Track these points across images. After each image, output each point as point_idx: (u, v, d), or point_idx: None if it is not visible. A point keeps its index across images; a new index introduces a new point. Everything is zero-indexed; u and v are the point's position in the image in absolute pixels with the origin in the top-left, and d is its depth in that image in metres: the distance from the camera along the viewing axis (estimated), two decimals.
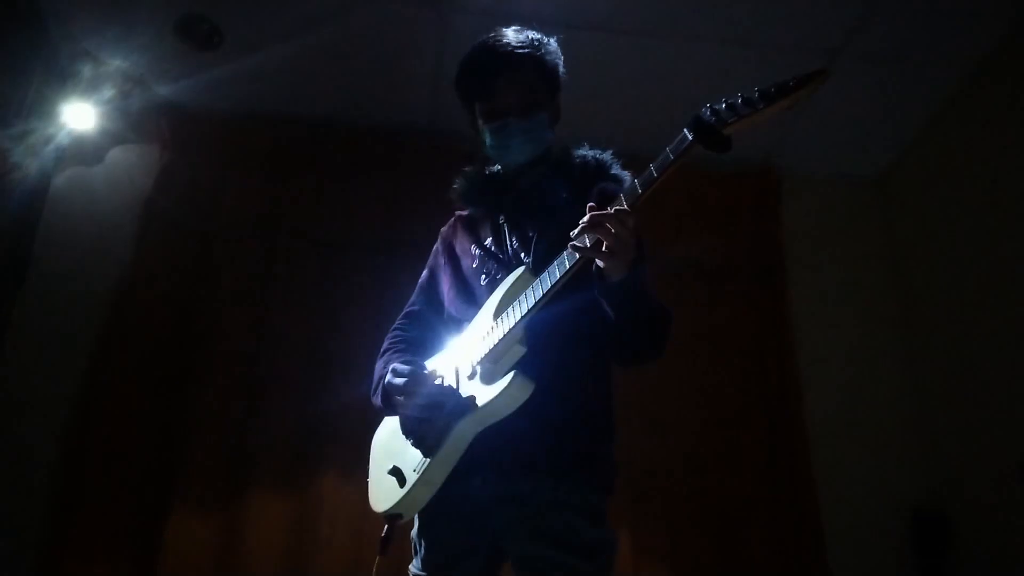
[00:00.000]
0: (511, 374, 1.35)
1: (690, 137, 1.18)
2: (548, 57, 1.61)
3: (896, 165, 3.52)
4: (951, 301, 3.12)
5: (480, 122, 1.62)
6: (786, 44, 2.95)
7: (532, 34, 1.61)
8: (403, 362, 1.51)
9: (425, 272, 1.76)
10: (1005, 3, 2.77)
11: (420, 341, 1.65)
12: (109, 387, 2.86)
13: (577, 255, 1.29)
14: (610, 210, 1.25)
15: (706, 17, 2.85)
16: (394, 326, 1.73)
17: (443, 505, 1.44)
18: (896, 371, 3.33)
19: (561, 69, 1.64)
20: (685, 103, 3.20)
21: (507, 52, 1.57)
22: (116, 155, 3.23)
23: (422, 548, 1.50)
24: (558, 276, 1.32)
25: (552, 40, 1.64)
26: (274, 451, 2.85)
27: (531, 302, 1.35)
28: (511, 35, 1.59)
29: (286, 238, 3.18)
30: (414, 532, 1.54)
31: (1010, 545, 2.72)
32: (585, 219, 1.26)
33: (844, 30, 2.88)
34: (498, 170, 1.69)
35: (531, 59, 1.58)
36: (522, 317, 1.36)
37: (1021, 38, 2.82)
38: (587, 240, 1.26)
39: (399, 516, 1.47)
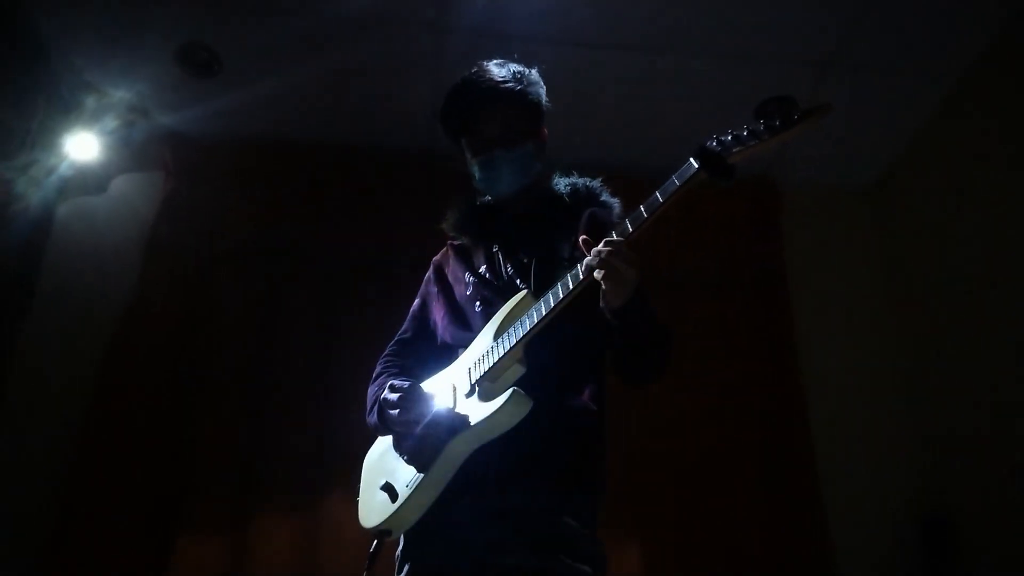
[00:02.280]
0: (510, 391, 1.37)
1: (696, 166, 1.21)
2: (531, 88, 1.64)
3: (891, 172, 3.54)
4: (951, 305, 3.13)
5: (468, 156, 1.66)
6: (777, 56, 2.98)
7: (514, 67, 1.65)
8: (400, 380, 1.54)
9: (417, 300, 1.79)
10: (993, 11, 2.80)
11: (412, 367, 1.66)
12: (116, 411, 2.88)
13: (581, 276, 1.34)
14: (608, 245, 1.30)
15: (697, 31, 2.89)
16: (385, 353, 1.75)
17: (430, 524, 1.44)
18: (899, 377, 3.33)
19: (544, 99, 1.68)
20: (678, 118, 3.28)
21: (490, 87, 1.61)
22: (119, 184, 3.27)
23: (406, 568, 1.50)
24: (561, 296, 1.36)
25: (534, 71, 1.68)
26: (279, 472, 2.86)
27: (534, 321, 1.38)
28: (493, 69, 1.63)
29: (288, 262, 3.21)
30: (398, 551, 1.54)
31: (1016, 550, 2.71)
32: (596, 248, 1.31)
33: (835, 41, 2.91)
34: (489, 200, 1.73)
35: (514, 92, 1.61)
36: (524, 336, 1.39)
37: (1010, 45, 2.85)
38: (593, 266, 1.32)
39: (388, 532, 1.47)
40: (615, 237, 1.33)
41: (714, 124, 1.25)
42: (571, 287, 1.34)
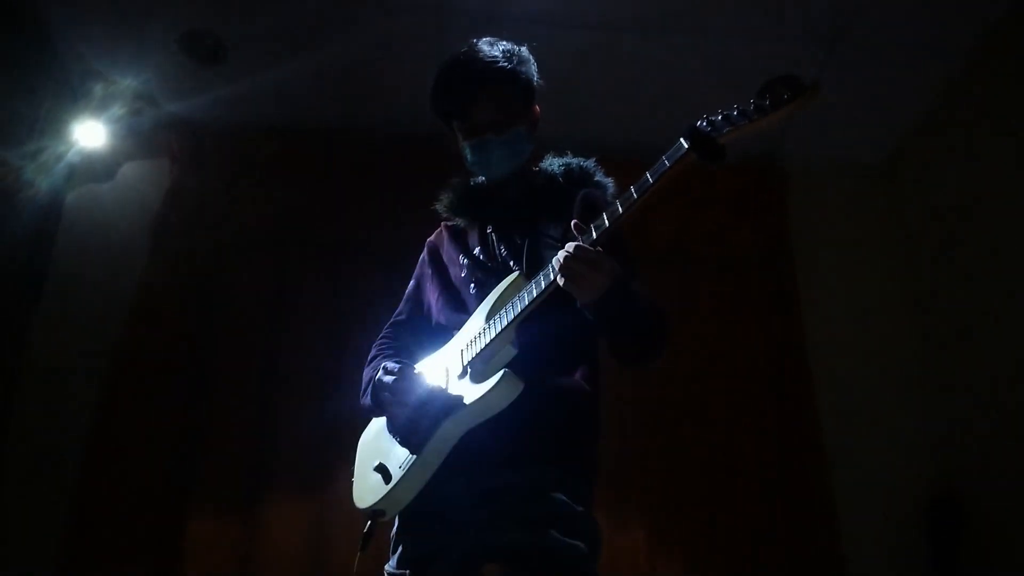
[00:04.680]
0: (501, 372, 1.38)
1: (686, 146, 1.21)
2: (521, 68, 1.61)
3: (901, 150, 3.51)
4: (962, 285, 3.10)
5: (459, 139, 1.65)
6: (784, 34, 2.94)
7: (505, 46, 1.62)
8: (394, 362, 1.54)
9: (412, 282, 1.79)
10: None
11: (407, 349, 1.67)
12: (127, 397, 2.92)
13: (549, 279, 1.34)
14: (570, 249, 1.30)
15: (701, 10, 2.86)
16: (381, 335, 1.75)
17: (424, 505, 1.45)
18: (908, 357, 3.31)
19: (536, 77, 1.65)
20: (682, 98, 3.25)
21: (480, 68, 1.58)
22: (127, 171, 3.30)
23: (400, 547, 1.52)
24: (543, 287, 1.36)
25: (524, 49, 1.65)
26: (290, 455, 2.90)
27: (524, 303, 1.38)
28: (483, 49, 1.60)
29: (295, 247, 3.23)
30: (393, 531, 1.56)
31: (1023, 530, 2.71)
32: (558, 257, 1.31)
33: (843, 17, 2.86)
34: (483, 181, 1.72)
35: (504, 73, 1.58)
36: (515, 318, 1.39)
37: (1020, 20, 2.81)
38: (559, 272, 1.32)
39: (382, 513, 1.49)
40: (594, 231, 1.32)
41: (721, 104, 1.24)
42: (552, 278, 1.34)
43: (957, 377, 3.11)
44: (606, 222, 1.31)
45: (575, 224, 1.35)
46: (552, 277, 1.34)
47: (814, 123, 3.30)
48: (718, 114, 1.20)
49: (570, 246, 1.31)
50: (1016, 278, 2.80)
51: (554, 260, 1.33)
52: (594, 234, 1.32)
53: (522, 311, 1.39)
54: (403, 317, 1.75)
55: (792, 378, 3.19)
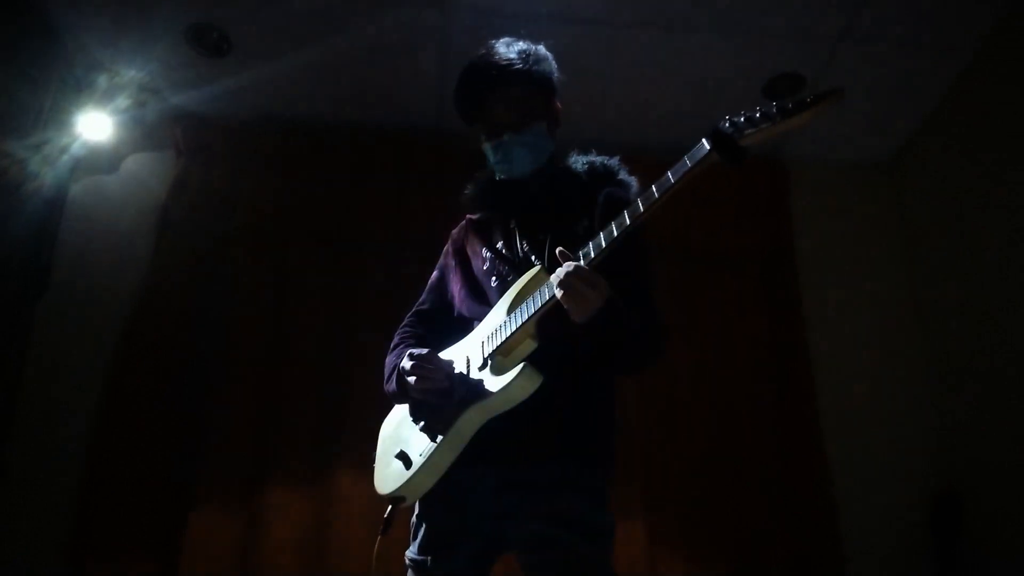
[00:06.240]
0: (520, 365, 1.40)
1: (708, 147, 1.22)
2: (537, 67, 1.64)
3: (906, 149, 3.51)
4: (965, 283, 3.11)
5: (482, 140, 1.68)
6: (788, 31, 2.94)
7: (521, 45, 1.65)
8: (418, 349, 1.56)
9: (435, 272, 1.82)
10: None
11: (429, 338, 1.69)
12: (131, 389, 2.92)
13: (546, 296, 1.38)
14: (569, 267, 1.32)
15: (705, 7, 2.85)
16: (403, 323, 1.78)
17: (445, 491, 1.49)
18: (909, 355, 3.33)
19: (554, 75, 1.68)
20: (686, 95, 3.23)
21: (497, 70, 1.61)
22: (131, 163, 3.30)
23: (421, 533, 1.55)
24: (543, 301, 1.39)
25: (541, 47, 1.67)
26: (292, 449, 2.89)
27: (545, 298, 1.40)
28: (500, 51, 1.63)
29: (300, 240, 3.22)
30: (414, 517, 1.59)
31: None
32: (558, 273, 1.34)
33: (847, 14, 2.86)
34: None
35: (521, 73, 1.61)
36: (535, 312, 1.41)
37: None
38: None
39: (402, 499, 1.52)
40: (615, 229, 1.34)
41: (726, 101, 1.25)
42: (551, 294, 1.36)
43: (959, 375, 3.13)
44: (627, 220, 1.32)
45: (559, 251, 1.37)
46: (551, 293, 1.36)
47: (818, 121, 3.29)
48: (740, 116, 1.21)
49: (568, 264, 1.33)
50: (1019, 277, 2.81)
51: (555, 274, 1.35)
52: (615, 231, 1.33)
53: (543, 306, 1.40)
54: (426, 307, 1.79)
55: (793, 376, 3.20)
